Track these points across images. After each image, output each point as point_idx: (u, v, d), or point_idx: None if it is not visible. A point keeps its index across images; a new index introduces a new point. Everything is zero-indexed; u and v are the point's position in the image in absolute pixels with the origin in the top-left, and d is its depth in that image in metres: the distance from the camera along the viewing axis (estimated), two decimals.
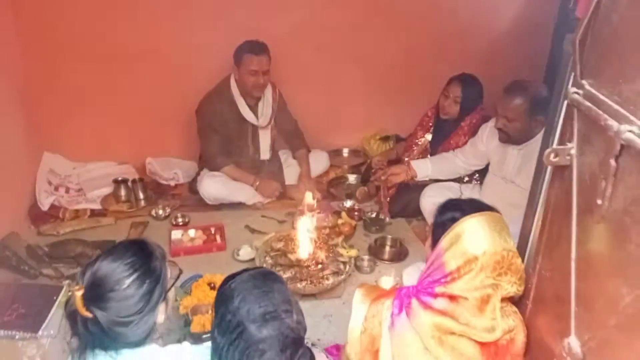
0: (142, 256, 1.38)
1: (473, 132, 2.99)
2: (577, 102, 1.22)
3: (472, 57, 3.55)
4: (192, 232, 2.92)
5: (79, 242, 2.82)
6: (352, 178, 3.62)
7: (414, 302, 1.56)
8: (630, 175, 1.05)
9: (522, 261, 1.61)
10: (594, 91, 1.19)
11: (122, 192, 3.23)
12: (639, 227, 1.02)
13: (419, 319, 1.52)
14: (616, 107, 1.09)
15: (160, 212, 3.15)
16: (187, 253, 2.81)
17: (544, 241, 1.45)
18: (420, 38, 3.62)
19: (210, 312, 2.12)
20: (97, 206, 3.19)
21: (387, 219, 3.15)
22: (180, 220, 3.08)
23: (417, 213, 3.12)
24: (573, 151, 1.27)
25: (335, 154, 3.83)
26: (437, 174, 3.05)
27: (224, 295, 1.37)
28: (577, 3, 1.25)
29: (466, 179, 3.11)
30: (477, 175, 3.08)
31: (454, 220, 1.54)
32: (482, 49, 3.66)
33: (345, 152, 3.92)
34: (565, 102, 1.36)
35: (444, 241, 1.52)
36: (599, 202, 1.14)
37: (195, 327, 2.08)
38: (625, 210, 1.07)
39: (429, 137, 3.22)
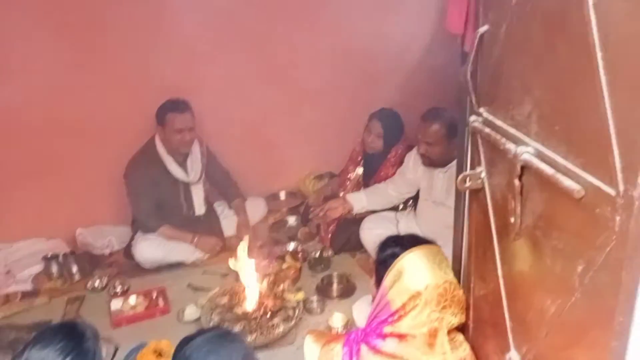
0: (73, 338, 1.32)
1: (400, 162, 3.09)
2: (478, 129, 1.30)
3: (390, 91, 3.70)
4: (132, 300, 2.81)
5: (13, 327, 2.65)
6: (292, 220, 3.63)
7: (363, 348, 1.55)
8: (534, 192, 1.12)
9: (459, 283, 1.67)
10: (490, 117, 1.27)
11: (54, 268, 3.07)
12: (550, 240, 1.09)
13: None
14: (511, 130, 1.17)
15: (97, 283, 3.02)
16: (129, 322, 2.70)
17: (474, 261, 1.51)
18: (340, 77, 3.73)
19: None
20: (28, 287, 3.01)
21: (330, 253, 3.18)
22: (118, 289, 2.96)
23: (360, 246, 3.15)
24: (483, 174, 1.35)
25: (272, 198, 3.83)
26: (372, 205, 3.13)
27: None
28: (463, 39, 1.35)
29: (401, 206, 3.19)
30: (411, 202, 3.17)
31: (394, 256, 1.56)
32: (398, 84, 3.81)
33: (282, 195, 3.92)
34: (468, 130, 1.45)
35: (387, 279, 1.54)
36: (512, 220, 1.20)
37: None
38: (535, 225, 1.13)
39: (360, 170, 3.31)
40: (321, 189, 3.64)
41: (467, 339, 1.61)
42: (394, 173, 3.11)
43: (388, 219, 3.07)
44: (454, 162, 2.68)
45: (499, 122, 1.22)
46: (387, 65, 3.80)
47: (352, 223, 3.19)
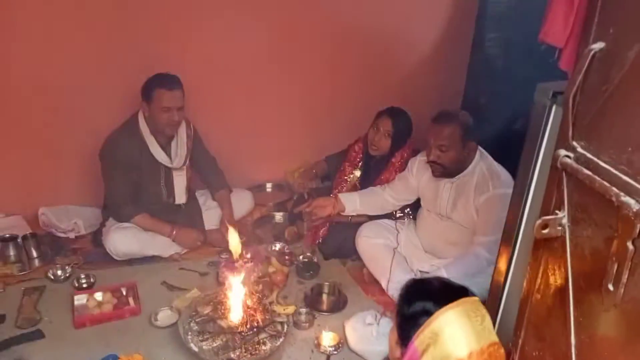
0: None
1: (405, 167, 2.86)
2: (570, 167, 1.07)
3: (392, 88, 3.51)
4: (99, 296, 2.50)
5: None
6: (278, 216, 3.35)
7: None
8: None
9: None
10: (589, 155, 1.04)
11: (11, 251, 2.73)
12: None
13: None
14: (627, 179, 0.94)
15: (59, 272, 2.68)
16: (94, 322, 2.39)
17: (528, 315, 1.29)
18: (340, 68, 3.50)
19: None
20: None
21: (319, 257, 2.96)
22: (84, 281, 2.64)
23: (352, 253, 2.93)
24: (565, 221, 1.12)
25: (258, 189, 3.55)
26: (365, 209, 2.90)
27: None
28: (560, 55, 1.11)
29: (399, 214, 2.97)
30: (408, 209, 2.94)
31: (427, 313, 1.28)
32: (402, 82, 3.61)
33: (269, 187, 3.65)
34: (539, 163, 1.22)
35: (419, 341, 1.27)
36: (611, 287, 0.98)
37: None
38: None
39: (357, 173, 3.06)
40: (305, 173, 3.36)
41: None
42: None
43: (387, 228, 2.84)
44: (464, 173, 2.53)
45: (604, 165, 0.99)
46: (391, 60, 3.59)
47: (345, 229, 2.95)
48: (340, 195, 2.91)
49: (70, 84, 2.86)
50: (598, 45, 1.00)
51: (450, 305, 1.27)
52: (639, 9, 0.91)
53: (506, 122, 3.11)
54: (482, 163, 2.50)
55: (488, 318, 1.32)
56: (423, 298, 1.34)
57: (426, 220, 2.77)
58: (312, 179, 3.40)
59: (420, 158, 2.74)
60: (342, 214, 2.90)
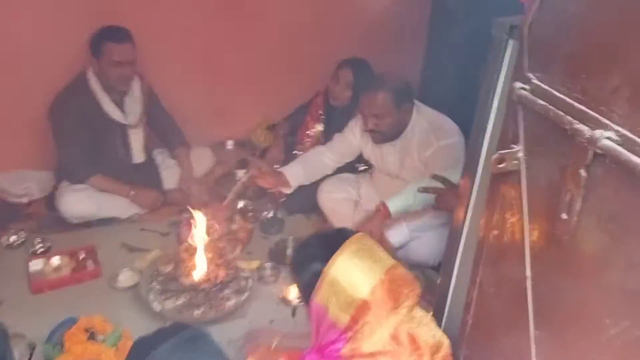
0: None
1: None
2: (526, 99, 1.05)
3: (352, 38, 3.42)
4: (55, 260, 2.43)
5: None
6: (240, 174, 3.28)
7: None
8: (606, 187, 0.90)
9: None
10: (544, 86, 1.03)
11: None
12: (625, 247, 0.88)
13: None
14: (580, 107, 0.93)
15: (13, 238, 2.59)
16: (52, 287, 2.33)
17: (485, 251, 1.30)
18: (300, 19, 3.38)
19: None
20: None
21: (284, 213, 2.90)
22: (39, 246, 2.55)
23: (316, 207, 2.90)
24: (521, 154, 1.11)
25: (218, 147, 3.47)
26: (309, 179, 2.77)
27: None
28: None
29: (361, 167, 2.96)
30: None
31: (318, 274, 1.29)
32: (362, 31, 3.51)
33: (230, 144, 3.57)
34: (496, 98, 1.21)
35: (319, 298, 1.28)
36: (564, 216, 0.98)
37: None
38: (602, 227, 0.92)
39: (320, 127, 3.01)
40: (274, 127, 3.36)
41: (462, 334, 1.42)
42: None
43: (349, 182, 2.84)
44: (404, 134, 2.49)
45: (558, 94, 0.98)
46: (349, 10, 3.48)
47: (308, 184, 2.92)
48: (284, 171, 2.72)
49: (14, 41, 2.69)
50: None
51: (336, 254, 1.29)
52: None
53: (472, 65, 3.08)
54: (421, 119, 2.47)
55: (376, 247, 1.36)
56: (309, 261, 1.36)
57: (380, 180, 2.76)
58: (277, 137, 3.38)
59: (360, 122, 2.64)
60: (286, 191, 2.74)
